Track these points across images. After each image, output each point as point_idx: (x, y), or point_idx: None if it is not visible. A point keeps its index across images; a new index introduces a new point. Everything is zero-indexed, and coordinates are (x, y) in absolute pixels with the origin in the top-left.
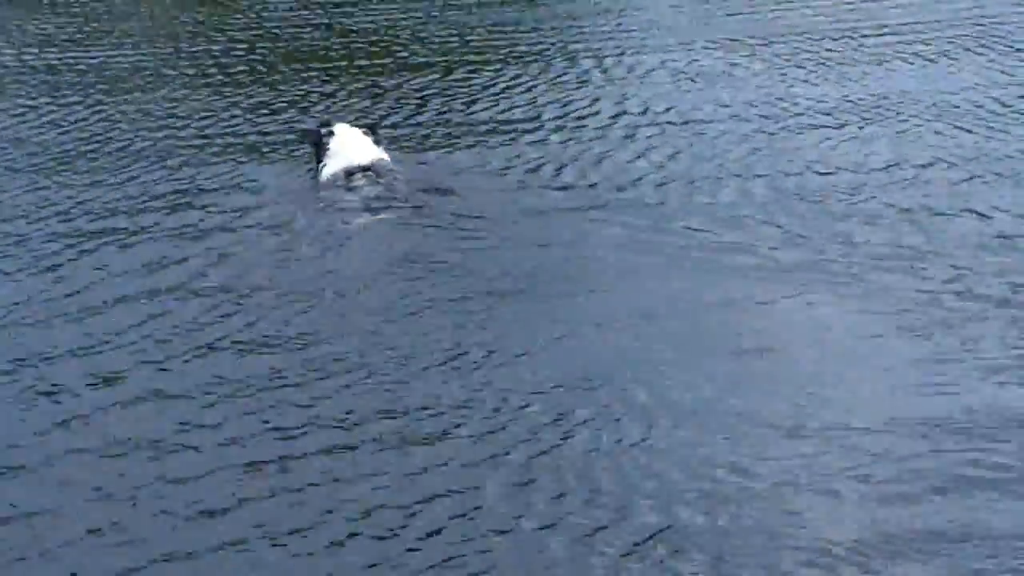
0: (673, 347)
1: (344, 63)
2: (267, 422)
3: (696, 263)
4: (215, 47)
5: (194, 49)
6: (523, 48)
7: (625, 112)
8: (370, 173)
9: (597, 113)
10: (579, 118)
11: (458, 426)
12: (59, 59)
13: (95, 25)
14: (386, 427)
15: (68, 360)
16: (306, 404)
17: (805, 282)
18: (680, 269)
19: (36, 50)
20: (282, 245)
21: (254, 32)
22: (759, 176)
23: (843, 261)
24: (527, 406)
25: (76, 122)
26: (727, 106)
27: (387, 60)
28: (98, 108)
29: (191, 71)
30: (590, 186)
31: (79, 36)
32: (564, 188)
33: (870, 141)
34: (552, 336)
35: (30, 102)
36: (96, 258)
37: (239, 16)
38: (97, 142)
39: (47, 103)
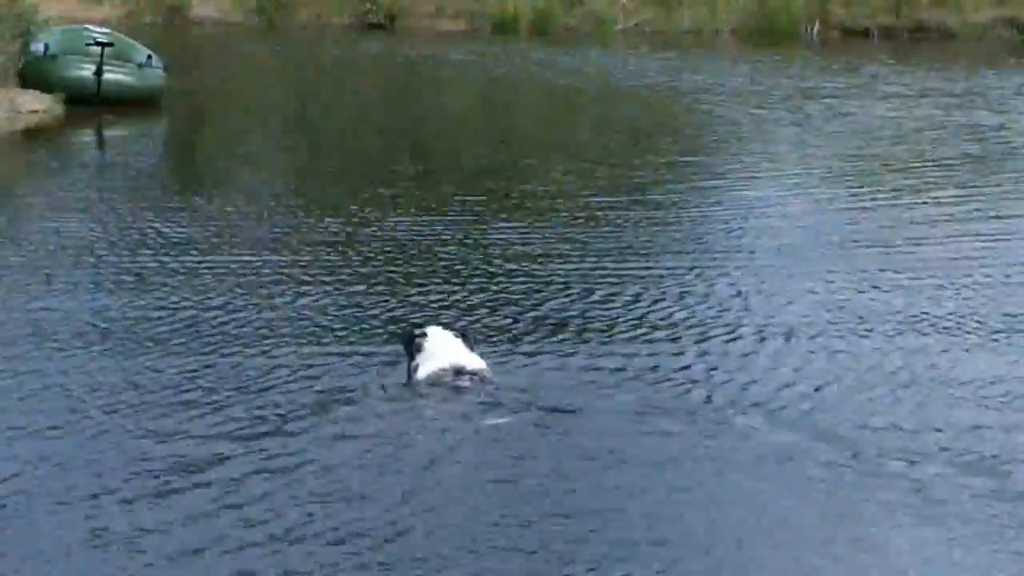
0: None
1: (467, 274)
2: None
3: (836, 504)
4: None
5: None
6: (650, 265)
7: (751, 322)
8: (467, 377)
9: (722, 325)
10: (700, 328)
11: None
12: (197, 261)
13: (226, 230)
14: None
15: None
16: None
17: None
18: (819, 506)
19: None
20: (379, 452)
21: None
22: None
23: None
24: None
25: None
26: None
27: (509, 273)
28: (207, 299)
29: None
30: (707, 401)
31: (212, 238)
32: (677, 405)
33: None
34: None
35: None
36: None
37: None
38: (201, 326)
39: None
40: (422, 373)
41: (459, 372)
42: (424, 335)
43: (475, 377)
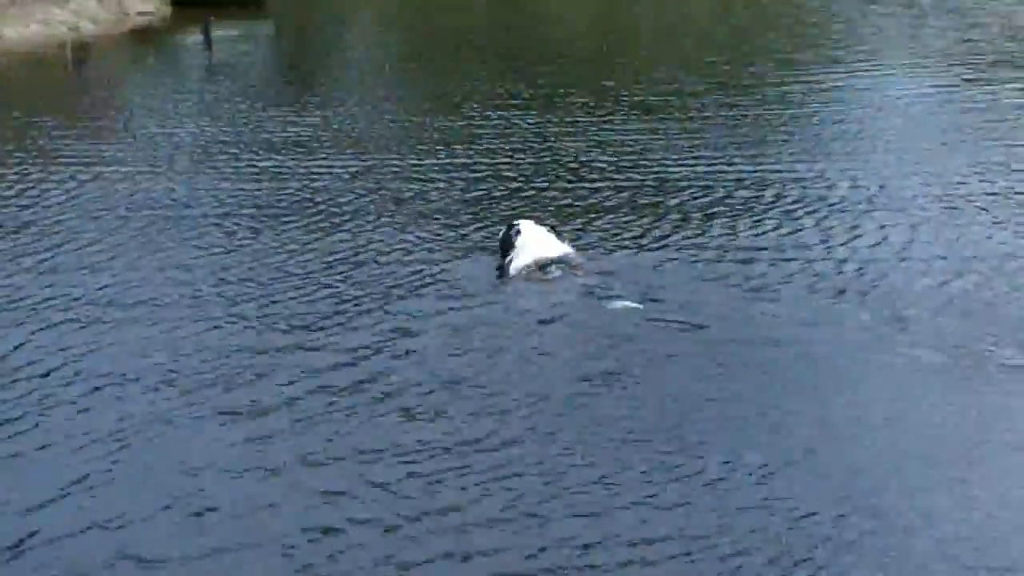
0: (926, 465)
1: (584, 170)
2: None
3: (953, 375)
4: (436, 152)
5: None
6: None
7: (881, 221)
8: (553, 266)
9: (848, 226)
10: (828, 229)
11: (693, 554)
12: (315, 161)
13: (342, 129)
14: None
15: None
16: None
17: None
18: (928, 377)
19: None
20: (470, 339)
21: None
22: None
23: None
24: (766, 530)
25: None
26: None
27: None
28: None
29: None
30: (813, 279)
31: (330, 138)
32: (781, 281)
33: None
34: (781, 454)
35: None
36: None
37: (477, 122)
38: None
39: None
40: (513, 268)
41: (544, 266)
42: (517, 230)
43: (562, 265)
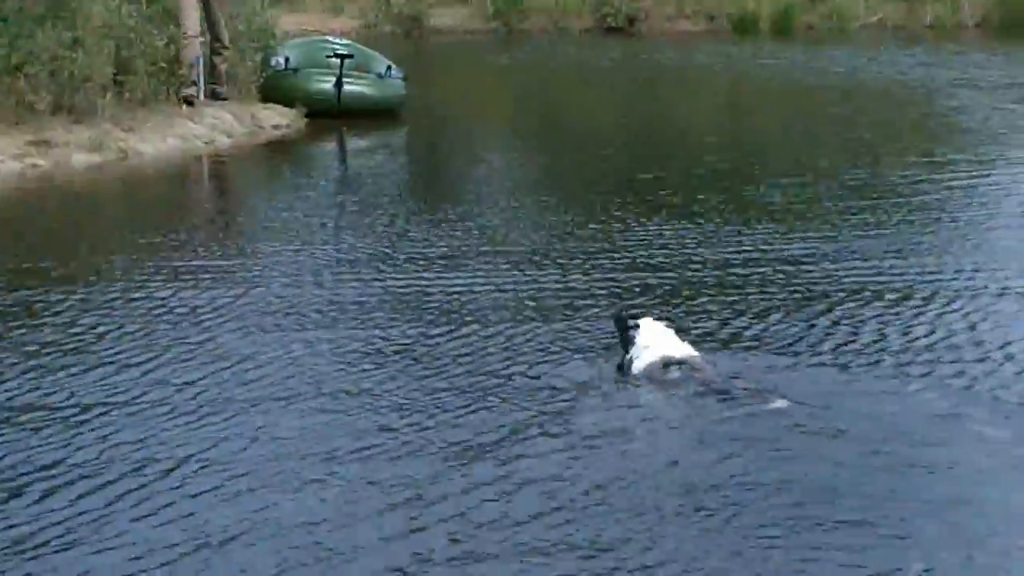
0: None
1: (717, 281)
2: None
3: None
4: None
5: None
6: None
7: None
8: (675, 367)
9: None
10: (973, 341)
11: None
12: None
13: (483, 242)
14: None
15: None
16: None
17: None
18: None
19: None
20: (602, 442)
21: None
22: None
23: None
24: None
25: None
26: None
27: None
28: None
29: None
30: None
31: (471, 252)
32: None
33: None
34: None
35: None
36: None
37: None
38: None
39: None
40: (635, 368)
41: (667, 364)
42: (636, 327)
43: (684, 365)
